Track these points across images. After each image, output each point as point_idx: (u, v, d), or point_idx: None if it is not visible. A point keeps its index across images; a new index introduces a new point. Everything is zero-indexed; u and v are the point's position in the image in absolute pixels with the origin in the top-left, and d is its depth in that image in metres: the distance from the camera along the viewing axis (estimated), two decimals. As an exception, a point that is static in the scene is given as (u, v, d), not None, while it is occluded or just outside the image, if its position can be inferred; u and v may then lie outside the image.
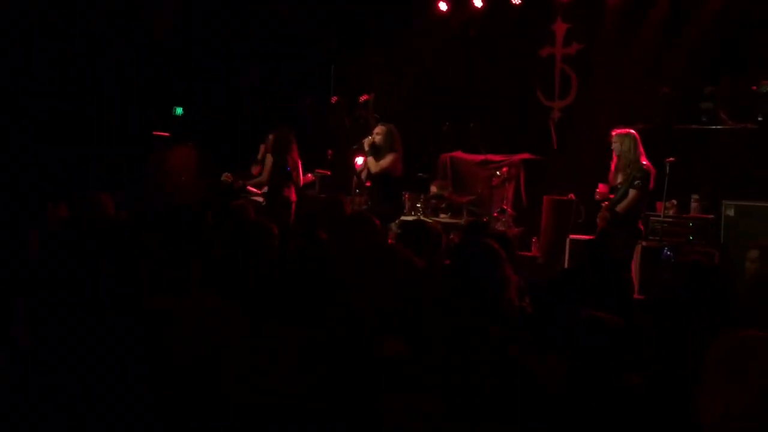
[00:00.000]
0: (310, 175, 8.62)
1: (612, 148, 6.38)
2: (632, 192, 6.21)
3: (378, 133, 7.04)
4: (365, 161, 7.17)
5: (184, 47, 9.72)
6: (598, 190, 6.54)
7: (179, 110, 10.34)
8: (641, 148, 6.29)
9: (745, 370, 1.79)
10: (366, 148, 7.05)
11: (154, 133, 9.99)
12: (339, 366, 2.08)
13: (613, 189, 6.44)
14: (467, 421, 1.94)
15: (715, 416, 1.78)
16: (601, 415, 1.94)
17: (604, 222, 6.41)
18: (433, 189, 8.96)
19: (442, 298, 2.65)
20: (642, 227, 6.52)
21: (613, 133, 6.39)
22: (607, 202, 6.46)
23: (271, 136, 8.40)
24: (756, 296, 3.65)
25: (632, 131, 6.41)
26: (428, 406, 1.95)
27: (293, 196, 8.10)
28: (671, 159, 6.90)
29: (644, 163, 6.25)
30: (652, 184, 6.34)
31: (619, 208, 6.28)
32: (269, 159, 8.06)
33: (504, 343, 2.15)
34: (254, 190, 8.40)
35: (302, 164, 8.17)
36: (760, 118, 7.54)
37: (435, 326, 2.30)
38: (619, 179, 6.35)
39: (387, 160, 6.91)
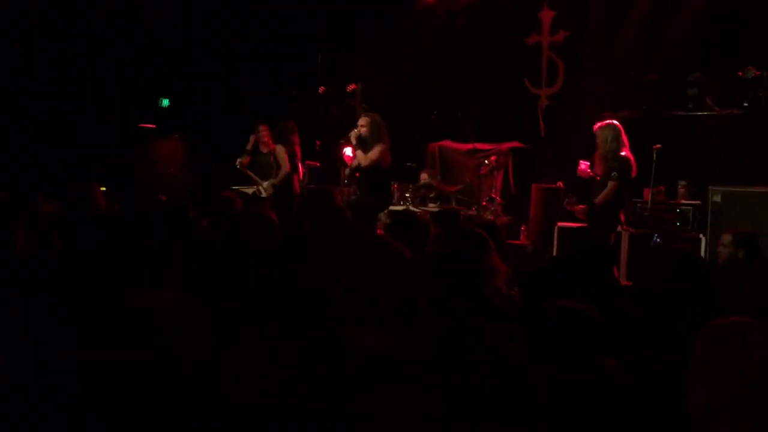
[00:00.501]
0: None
1: (597, 138, 6.46)
2: (610, 183, 6.29)
3: (363, 125, 6.98)
4: (355, 154, 7.14)
5: (170, 38, 9.65)
6: (579, 167, 6.57)
7: (165, 102, 10.29)
8: (624, 138, 6.35)
9: (730, 357, 1.81)
10: (353, 141, 7.02)
11: (140, 125, 9.95)
12: (326, 362, 2.08)
13: (592, 166, 6.52)
14: (459, 420, 1.94)
15: (703, 403, 1.79)
16: (589, 407, 1.96)
17: (583, 215, 6.50)
18: (424, 177, 8.95)
19: (434, 294, 2.65)
20: (623, 217, 6.59)
21: (595, 128, 6.47)
22: (570, 199, 6.58)
23: (262, 127, 8.32)
24: (726, 281, 3.71)
25: (613, 122, 6.47)
26: (420, 404, 1.96)
27: (298, 188, 8.12)
28: (658, 146, 6.94)
29: (623, 153, 6.31)
30: (634, 173, 6.40)
31: (598, 199, 6.35)
32: (282, 150, 7.95)
33: (497, 339, 2.16)
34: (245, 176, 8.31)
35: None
36: (745, 104, 7.57)
37: (427, 321, 2.31)
38: (601, 170, 6.42)
39: (376, 152, 6.87)
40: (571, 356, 2.04)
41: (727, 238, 4.69)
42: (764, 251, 6.24)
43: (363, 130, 6.95)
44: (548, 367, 2.00)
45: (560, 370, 1.98)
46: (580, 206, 6.58)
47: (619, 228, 6.65)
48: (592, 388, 1.96)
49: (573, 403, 1.92)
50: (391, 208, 7.72)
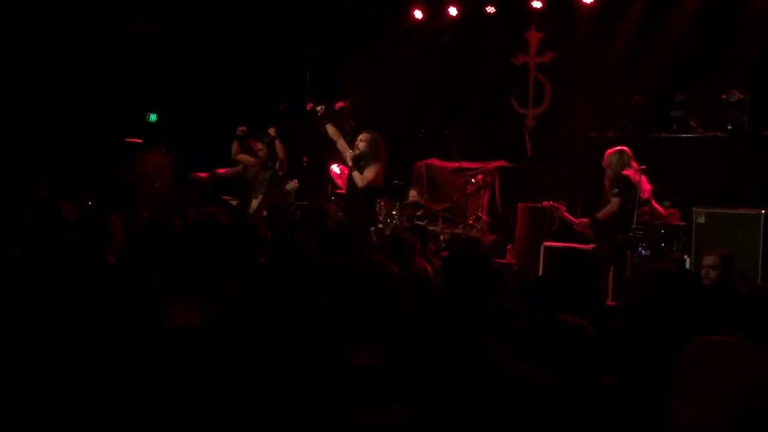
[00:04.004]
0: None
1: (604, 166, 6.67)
2: (612, 200, 6.58)
3: (362, 140, 6.88)
4: (344, 171, 7.11)
5: (158, 52, 9.66)
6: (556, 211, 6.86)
7: (153, 117, 10.27)
8: (632, 163, 6.55)
9: (712, 374, 1.82)
10: (349, 161, 6.95)
11: (127, 139, 9.92)
12: (314, 374, 2.07)
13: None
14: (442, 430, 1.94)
15: (686, 418, 1.80)
16: (580, 418, 1.96)
17: (586, 229, 6.73)
18: (413, 194, 8.95)
19: (426, 307, 2.65)
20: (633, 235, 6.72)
21: (606, 155, 6.70)
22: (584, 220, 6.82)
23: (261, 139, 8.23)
24: (714, 302, 3.73)
25: (621, 148, 6.71)
26: (403, 415, 1.95)
27: None
28: (643, 167, 7.01)
29: (624, 173, 6.51)
30: (645, 194, 6.62)
31: (600, 213, 6.65)
32: (283, 153, 7.85)
33: (488, 352, 2.16)
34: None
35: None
36: (729, 127, 7.66)
37: (416, 334, 2.30)
38: (608, 191, 6.75)
39: (371, 172, 6.74)
40: (561, 365, 2.05)
41: (714, 260, 4.70)
42: (749, 272, 6.33)
43: (362, 144, 6.84)
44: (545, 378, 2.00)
45: (554, 382, 1.98)
46: (583, 219, 6.81)
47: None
48: (587, 401, 1.96)
49: (566, 413, 1.92)
50: (379, 225, 7.71)
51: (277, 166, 7.84)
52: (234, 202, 8.07)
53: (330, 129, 7.32)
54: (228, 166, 8.61)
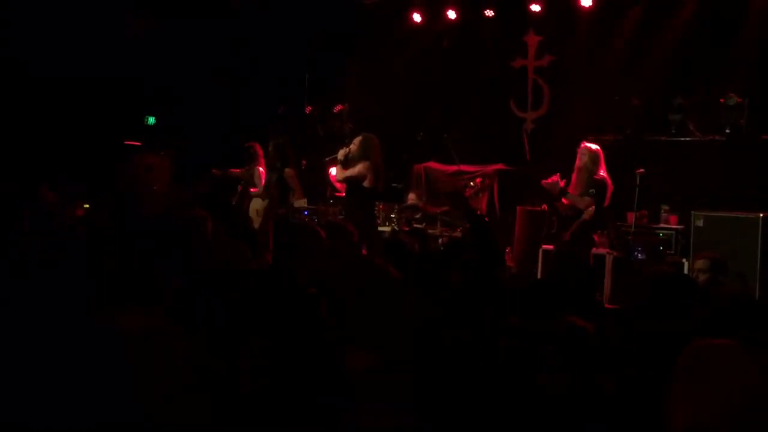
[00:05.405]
0: None
1: (578, 158, 6.65)
2: (587, 200, 6.54)
3: (354, 143, 7.02)
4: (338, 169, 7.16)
5: (157, 53, 9.66)
6: (551, 179, 6.76)
7: (151, 120, 10.28)
8: (602, 163, 6.57)
9: (712, 375, 1.83)
10: (340, 158, 7.03)
11: (126, 141, 9.92)
12: (306, 379, 2.07)
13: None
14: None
15: (683, 422, 1.81)
16: (575, 420, 1.97)
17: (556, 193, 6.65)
18: (412, 197, 8.96)
19: (421, 311, 2.66)
20: (597, 239, 6.75)
21: (583, 145, 6.66)
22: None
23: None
24: (706, 305, 3.74)
25: (596, 147, 6.65)
26: (396, 421, 1.95)
27: None
28: (641, 170, 7.02)
29: (603, 176, 6.53)
30: (607, 201, 6.61)
31: (570, 198, 6.63)
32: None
33: (483, 354, 2.16)
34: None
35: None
36: (727, 131, 7.67)
37: (412, 339, 2.31)
38: (578, 191, 6.69)
39: (355, 169, 6.88)
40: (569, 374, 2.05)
41: (703, 263, 4.73)
42: (747, 275, 6.35)
43: (353, 147, 6.98)
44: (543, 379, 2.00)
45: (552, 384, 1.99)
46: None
47: (598, 250, 6.78)
48: (587, 403, 1.96)
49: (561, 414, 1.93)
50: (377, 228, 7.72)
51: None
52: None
53: None
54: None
